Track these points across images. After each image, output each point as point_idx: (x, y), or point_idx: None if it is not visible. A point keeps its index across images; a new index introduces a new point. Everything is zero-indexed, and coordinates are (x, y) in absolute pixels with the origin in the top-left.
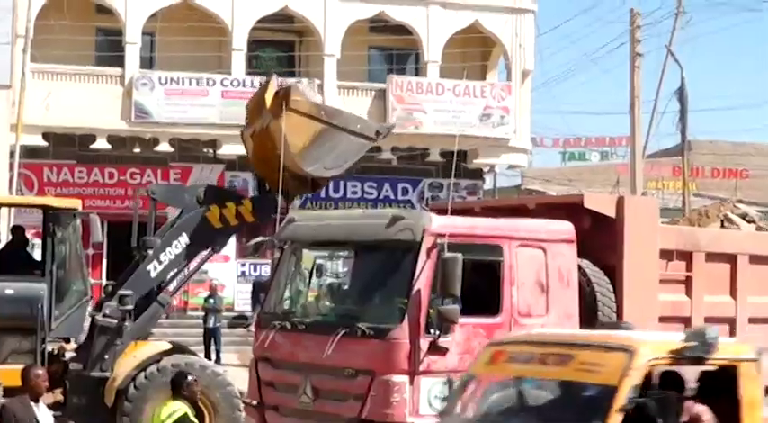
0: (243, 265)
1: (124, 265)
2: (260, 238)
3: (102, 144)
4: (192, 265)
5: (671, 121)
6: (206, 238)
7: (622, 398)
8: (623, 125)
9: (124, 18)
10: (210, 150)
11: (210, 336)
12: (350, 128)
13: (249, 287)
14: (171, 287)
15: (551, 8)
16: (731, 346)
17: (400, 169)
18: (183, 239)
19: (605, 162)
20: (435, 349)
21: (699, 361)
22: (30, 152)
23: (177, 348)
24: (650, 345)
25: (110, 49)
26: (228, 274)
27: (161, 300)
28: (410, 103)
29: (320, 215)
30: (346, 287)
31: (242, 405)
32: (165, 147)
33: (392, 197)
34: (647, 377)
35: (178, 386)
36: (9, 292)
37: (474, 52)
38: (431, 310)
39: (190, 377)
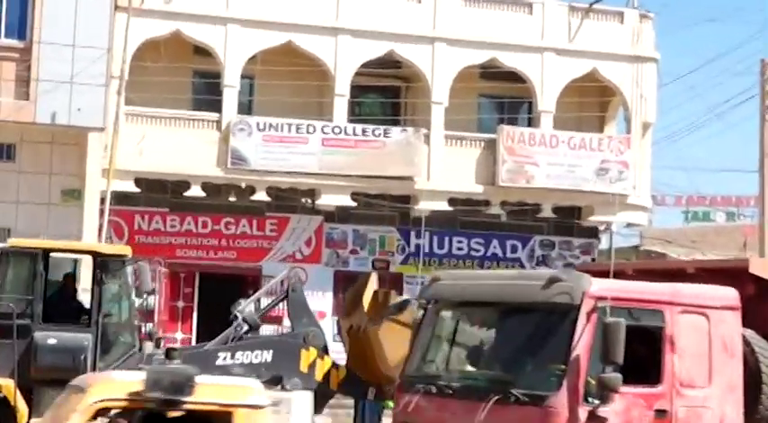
0: (339, 322)
1: (214, 319)
2: (404, 297)
3: (196, 191)
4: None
5: None
6: (285, 370)
7: None
8: (751, 183)
9: (223, 60)
10: (309, 200)
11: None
12: None
13: None
14: None
15: (674, 58)
16: (221, 387)
17: (509, 225)
18: (266, 355)
19: (731, 223)
20: (594, 419)
21: (170, 404)
22: (121, 198)
23: None
24: (105, 384)
25: (207, 93)
26: (326, 331)
27: None
28: (522, 156)
29: (468, 274)
30: (496, 350)
31: None
32: (261, 195)
33: (500, 254)
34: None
35: None
36: (52, 341)
37: (591, 102)
38: (590, 378)
39: None
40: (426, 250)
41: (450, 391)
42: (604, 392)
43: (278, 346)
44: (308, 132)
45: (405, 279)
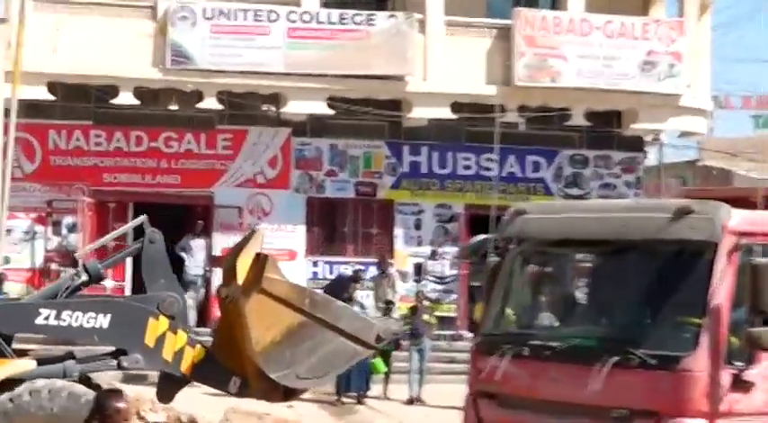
0: (315, 264)
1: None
2: (481, 237)
3: (126, 98)
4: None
5: None
6: (125, 342)
7: None
8: None
9: None
10: (272, 108)
11: None
12: (341, 326)
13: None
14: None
15: None
16: None
17: (530, 136)
18: (102, 320)
19: None
20: (739, 384)
21: None
22: (31, 109)
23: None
24: None
25: None
26: (296, 277)
27: None
28: (544, 47)
29: (561, 206)
30: (609, 302)
31: None
32: (211, 103)
33: (518, 174)
34: None
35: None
36: None
37: None
38: (732, 334)
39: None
40: (424, 170)
41: (550, 354)
42: (752, 351)
43: (120, 309)
44: (269, 21)
45: (396, 208)
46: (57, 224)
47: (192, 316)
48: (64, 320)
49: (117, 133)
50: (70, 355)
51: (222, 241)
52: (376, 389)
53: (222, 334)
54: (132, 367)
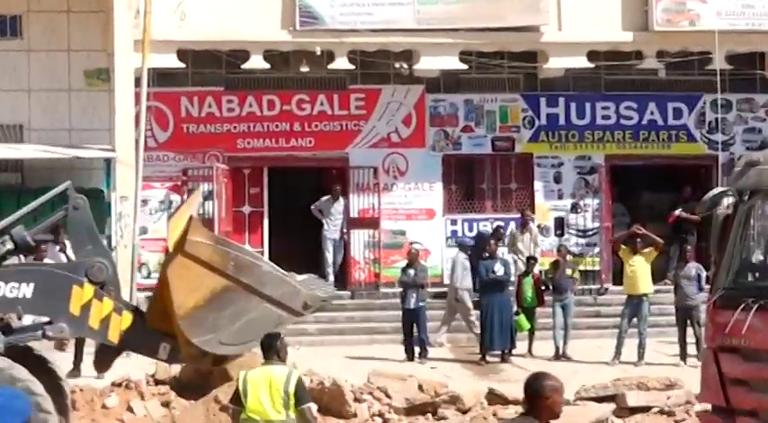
0: (453, 222)
1: (290, 226)
2: (718, 189)
3: (257, 62)
4: None
5: None
6: (50, 311)
7: None
8: None
9: None
10: (405, 65)
11: (411, 319)
12: (266, 292)
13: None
14: None
15: None
16: None
17: (670, 82)
18: (26, 289)
19: None
20: None
21: None
22: (162, 77)
23: None
24: None
25: None
26: (434, 236)
27: None
28: None
29: None
30: None
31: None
32: (342, 63)
33: (659, 121)
34: None
35: (273, 348)
36: None
37: None
38: None
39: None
40: (562, 122)
41: None
42: None
43: (44, 278)
44: None
45: (534, 161)
46: (192, 192)
47: (331, 279)
48: None
49: (249, 98)
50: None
51: (359, 203)
52: (521, 346)
53: (155, 298)
54: (58, 337)
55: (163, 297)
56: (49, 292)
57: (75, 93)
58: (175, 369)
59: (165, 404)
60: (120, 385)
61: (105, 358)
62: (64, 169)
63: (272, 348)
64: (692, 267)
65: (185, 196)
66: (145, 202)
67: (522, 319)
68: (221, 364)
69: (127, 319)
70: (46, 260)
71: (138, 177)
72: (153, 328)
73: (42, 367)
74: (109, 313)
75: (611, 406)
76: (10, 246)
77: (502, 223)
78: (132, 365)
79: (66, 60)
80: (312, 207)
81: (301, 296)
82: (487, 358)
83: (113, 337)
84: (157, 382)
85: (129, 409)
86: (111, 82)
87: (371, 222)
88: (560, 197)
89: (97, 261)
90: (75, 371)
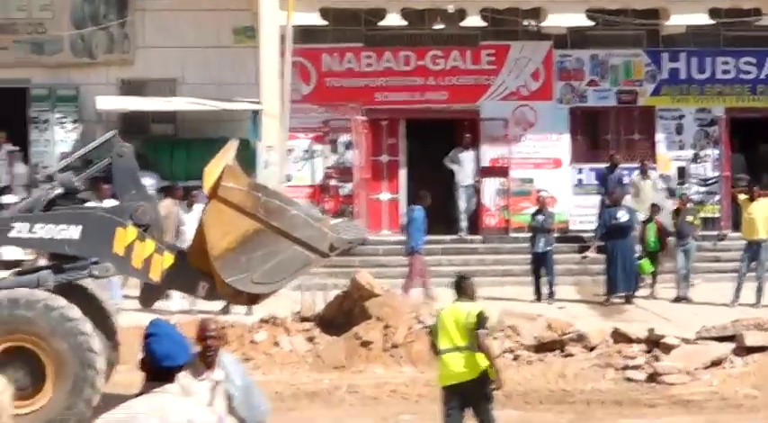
0: (579, 171)
1: (426, 175)
2: None
3: (394, 20)
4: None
5: None
6: (95, 252)
7: None
8: None
9: None
10: (533, 22)
11: (540, 263)
12: (295, 234)
13: (588, 199)
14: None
15: None
16: None
17: None
18: (73, 231)
19: None
20: None
21: None
22: (305, 34)
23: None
24: None
25: None
26: (561, 184)
27: None
28: None
29: None
30: None
31: (97, 361)
32: (474, 20)
33: None
34: None
35: (462, 288)
36: None
37: None
38: None
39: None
40: (683, 76)
41: None
42: None
43: (90, 220)
44: None
45: (657, 113)
46: (333, 142)
47: (464, 225)
48: (35, 233)
49: (386, 54)
50: (51, 267)
51: (489, 153)
52: (644, 289)
53: (195, 240)
54: (103, 275)
55: (201, 239)
56: (95, 233)
57: (223, 49)
58: (319, 307)
59: (310, 339)
60: (267, 322)
61: (150, 295)
62: (213, 120)
63: (461, 288)
64: None
65: (326, 146)
66: (289, 151)
67: (646, 262)
68: (257, 302)
69: (168, 259)
70: (105, 201)
71: (285, 128)
72: (193, 268)
73: (93, 306)
74: (151, 253)
75: (731, 345)
76: (59, 190)
77: (625, 172)
78: (279, 304)
79: (216, 19)
80: (444, 159)
81: (327, 238)
82: (612, 300)
83: (155, 275)
84: (302, 320)
85: (276, 344)
86: (257, 39)
87: (501, 171)
88: (681, 148)
89: (141, 205)
90: (226, 308)
